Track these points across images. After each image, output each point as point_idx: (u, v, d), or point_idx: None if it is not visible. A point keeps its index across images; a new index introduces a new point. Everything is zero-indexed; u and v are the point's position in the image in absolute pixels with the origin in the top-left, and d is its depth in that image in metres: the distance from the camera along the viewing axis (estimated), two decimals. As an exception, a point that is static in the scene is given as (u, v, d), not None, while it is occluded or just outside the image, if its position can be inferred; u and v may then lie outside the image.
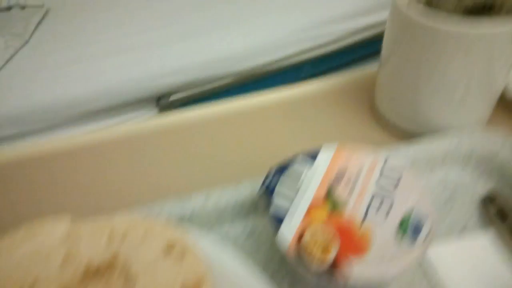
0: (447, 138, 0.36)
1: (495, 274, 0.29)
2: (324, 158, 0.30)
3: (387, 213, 0.26)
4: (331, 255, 0.24)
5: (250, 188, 0.33)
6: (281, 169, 0.29)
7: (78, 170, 0.40)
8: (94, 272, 0.26)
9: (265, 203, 0.28)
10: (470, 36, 0.32)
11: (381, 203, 0.27)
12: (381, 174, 0.29)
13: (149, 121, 0.45)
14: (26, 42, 0.99)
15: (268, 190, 0.28)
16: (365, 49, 1.04)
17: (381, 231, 0.25)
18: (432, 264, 0.30)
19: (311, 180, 0.29)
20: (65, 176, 0.40)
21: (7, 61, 0.93)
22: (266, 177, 0.29)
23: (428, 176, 0.36)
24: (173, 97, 0.96)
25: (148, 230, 0.27)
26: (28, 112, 0.88)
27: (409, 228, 0.25)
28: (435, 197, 0.34)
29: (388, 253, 0.24)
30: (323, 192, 0.28)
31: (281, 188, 0.28)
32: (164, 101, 0.96)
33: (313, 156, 0.30)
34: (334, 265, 0.24)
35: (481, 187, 0.34)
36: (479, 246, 0.30)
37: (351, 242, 0.25)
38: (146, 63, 0.93)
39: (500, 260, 0.30)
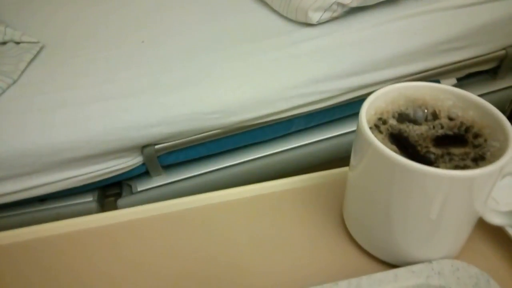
0: (417, 274, 0.33)
1: None
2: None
3: None
4: None
5: None
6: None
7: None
8: None
9: None
10: (432, 176, 0.29)
11: None
12: None
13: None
14: (14, 82, 0.98)
15: None
16: (358, 105, 1.01)
17: None
18: None
19: None
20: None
21: (-6, 100, 0.91)
22: None
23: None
24: (158, 146, 0.94)
25: None
26: (7, 157, 0.86)
27: None
28: None
29: None
30: None
31: None
32: (149, 150, 0.94)
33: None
34: None
35: None
36: None
37: None
38: (133, 111, 0.91)
39: None
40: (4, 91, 0.95)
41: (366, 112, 0.34)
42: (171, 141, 0.94)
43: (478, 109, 0.34)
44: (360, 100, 1.01)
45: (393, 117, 0.35)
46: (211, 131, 0.95)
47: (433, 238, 0.34)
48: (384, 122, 0.35)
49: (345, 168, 0.40)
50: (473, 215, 0.33)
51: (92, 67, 1.02)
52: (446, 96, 0.36)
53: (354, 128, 0.81)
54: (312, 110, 0.99)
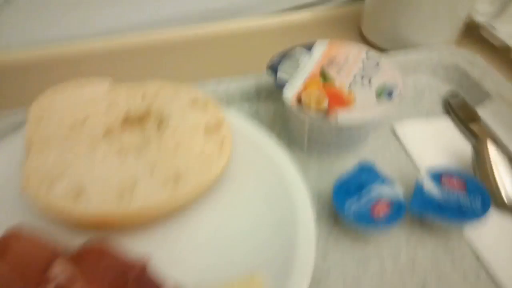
0: (420, 51, 0.43)
1: (450, 143, 0.36)
2: (319, 48, 0.37)
3: (368, 83, 0.33)
4: (324, 106, 0.31)
5: (253, 78, 0.39)
6: (283, 55, 0.36)
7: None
8: (132, 120, 0.32)
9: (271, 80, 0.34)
10: None
11: (363, 77, 0.34)
12: (363, 59, 0.36)
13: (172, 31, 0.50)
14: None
15: (272, 69, 0.35)
16: None
17: (363, 95, 0.32)
18: (401, 133, 0.37)
19: (307, 63, 0.35)
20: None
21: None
22: (270, 61, 0.36)
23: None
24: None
25: (176, 89, 0.34)
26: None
27: (384, 93, 0.32)
28: (406, 92, 0.41)
29: (368, 107, 0.31)
30: (317, 71, 0.35)
31: (283, 67, 0.35)
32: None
33: (309, 48, 0.37)
34: (327, 113, 0.31)
35: (445, 89, 0.42)
36: (438, 124, 0.38)
37: (339, 100, 0.32)
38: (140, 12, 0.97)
39: (453, 134, 0.37)
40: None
41: None
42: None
43: None
44: None
45: None
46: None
47: (430, 25, 0.44)
48: None
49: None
50: (462, 7, 0.43)
51: None
52: None
53: None
54: None
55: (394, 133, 0.37)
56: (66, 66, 0.47)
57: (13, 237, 0.23)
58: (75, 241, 0.25)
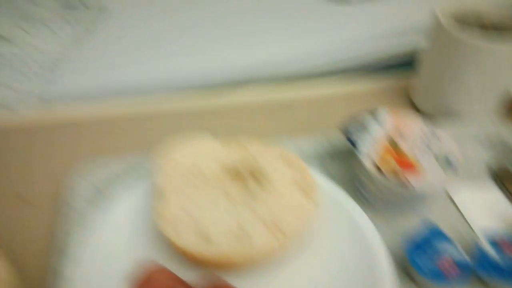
0: (467, 122, 0.49)
1: (500, 210, 0.41)
2: (383, 116, 0.43)
3: (430, 152, 0.39)
4: (396, 170, 0.37)
5: (324, 139, 0.45)
6: (352, 120, 0.42)
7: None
8: (236, 172, 0.38)
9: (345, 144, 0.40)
10: (482, 48, 0.45)
11: (425, 146, 0.40)
12: (423, 129, 0.41)
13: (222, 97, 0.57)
14: (92, 34, 1.12)
15: (345, 133, 0.41)
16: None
17: (427, 163, 0.38)
18: (455, 197, 0.42)
19: (375, 129, 0.41)
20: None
21: (78, 48, 1.05)
22: (343, 125, 0.42)
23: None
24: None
25: (267, 147, 0.40)
26: (92, 94, 1.00)
27: (445, 161, 0.38)
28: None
29: (433, 174, 0.37)
30: (385, 137, 0.40)
31: (354, 131, 0.41)
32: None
33: (374, 114, 0.43)
34: (399, 177, 0.36)
35: (492, 157, 0.47)
36: (488, 191, 0.43)
37: (408, 166, 0.37)
38: (196, 62, 1.06)
39: (502, 201, 0.42)
40: (84, 40, 1.08)
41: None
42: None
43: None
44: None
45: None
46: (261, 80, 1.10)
47: (475, 97, 0.50)
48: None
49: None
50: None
51: (155, 29, 1.16)
52: None
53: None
54: (350, 67, 1.16)
55: (449, 195, 0.43)
56: (163, 119, 0.53)
57: (156, 272, 0.29)
58: (190, 276, 0.31)
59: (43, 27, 1.09)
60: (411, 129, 0.41)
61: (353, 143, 0.40)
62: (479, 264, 0.34)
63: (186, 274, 0.31)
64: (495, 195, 0.43)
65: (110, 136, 0.51)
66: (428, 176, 0.37)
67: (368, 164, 0.38)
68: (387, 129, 0.41)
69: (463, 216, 0.41)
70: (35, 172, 0.45)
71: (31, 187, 0.44)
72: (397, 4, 1.19)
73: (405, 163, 0.38)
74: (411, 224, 0.39)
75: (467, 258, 0.34)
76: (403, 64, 1.24)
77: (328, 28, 1.16)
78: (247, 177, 0.37)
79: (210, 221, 0.33)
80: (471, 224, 0.40)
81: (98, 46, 1.09)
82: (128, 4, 1.28)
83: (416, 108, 0.55)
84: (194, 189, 0.35)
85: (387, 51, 1.17)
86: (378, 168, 0.38)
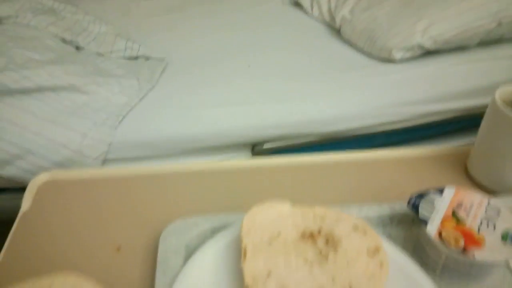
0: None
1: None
2: (448, 192, 0.47)
3: (493, 227, 0.42)
4: (461, 243, 0.40)
5: (388, 207, 0.50)
6: (420, 195, 0.46)
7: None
8: (309, 236, 0.42)
9: (412, 216, 0.44)
10: None
11: (488, 222, 0.43)
12: (486, 205, 0.45)
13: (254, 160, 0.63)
14: (153, 86, 1.23)
15: (413, 206, 0.45)
16: (433, 129, 1.23)
17: (490, 237, 0.41)
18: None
19: (441, 204, 0.45)
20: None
21: (141, 99, 1.16)
22: (410, 199, 0.46)
23: None
24: (266, 146, 1.16)
25: (338, 215, 0.44)
26: (153, 141, 1.09)
27: (509, 238, 0.41)
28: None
29: (496, 248, 0.40)
30: (449, 212, 0.44)
31: (423, 206, 0.45)
32: (258, 148, 1.16)
33: (440, 191, 0.47)
34: (463, 249, 0.40)
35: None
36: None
37: (472, 240, 0.41)
38: (249, 115, 1.14)
39: None
40: (147, 93, 1.19)
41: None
42: (277, 143, 1.16)
43: None
44: (433, 124, 1.21)
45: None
46: (310, 136, 1.16)
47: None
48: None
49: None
50: None
51: (210, 79, 1.26)
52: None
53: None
54: (393, 129, 1.20)
55: (509, 268, 0.45)
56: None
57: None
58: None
59: (111, 79, 1.22)
60: (474, 205, 0.45)
61: (422, 216, 0.44)
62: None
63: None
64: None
65: (199, 191, 0.57)
66: (489, 248, 0.40)
67: (432, 233, 0.42)
68: (451, 202, 0.45)
69: (524, 289, 0.43)
70: (129, 224, 0.52)
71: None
72: (441, 65, 1.24)
73: (467, 235, 0.42)
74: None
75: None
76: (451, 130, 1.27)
77: (378, 86, 1.22)
78: (322, 242, 0.42)
79: (286, 278, 0.38)
80: (532, 298, 0.42)
81: (160, 97, 1.19)
82: (185, 54, 1.38)
83: (473, 180, 0.58)
84: (275, 251, 0.40)
85: (435, 115, 1.21)
86: (441, 238, 0.41)
